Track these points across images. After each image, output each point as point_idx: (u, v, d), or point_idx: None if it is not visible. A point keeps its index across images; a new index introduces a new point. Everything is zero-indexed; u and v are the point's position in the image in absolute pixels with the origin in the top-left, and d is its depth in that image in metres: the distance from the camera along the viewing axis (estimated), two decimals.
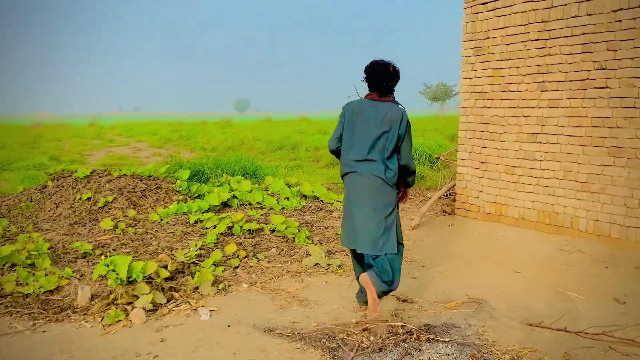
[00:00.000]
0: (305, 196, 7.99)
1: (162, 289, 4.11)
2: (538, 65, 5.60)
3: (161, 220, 6.21)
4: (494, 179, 6.18)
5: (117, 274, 4.24)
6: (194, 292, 4.16)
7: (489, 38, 6.12)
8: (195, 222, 6.19)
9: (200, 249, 5.23)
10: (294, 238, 5.67)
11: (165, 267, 4.44)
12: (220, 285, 4.25)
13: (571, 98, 5.31)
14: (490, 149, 6.21)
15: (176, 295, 4.05)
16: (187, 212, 6.53)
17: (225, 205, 7.30)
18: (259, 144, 20.39)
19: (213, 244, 5.36)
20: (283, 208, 7.23)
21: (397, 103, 3.64)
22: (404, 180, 3.71)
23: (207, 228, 5.95)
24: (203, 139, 25.15)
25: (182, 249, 5.23)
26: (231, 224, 5.89)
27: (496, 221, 6.20)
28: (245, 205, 7.38)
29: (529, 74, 5.70)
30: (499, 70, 6.03)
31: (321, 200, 7.82)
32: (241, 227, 5.85)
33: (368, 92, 3.66)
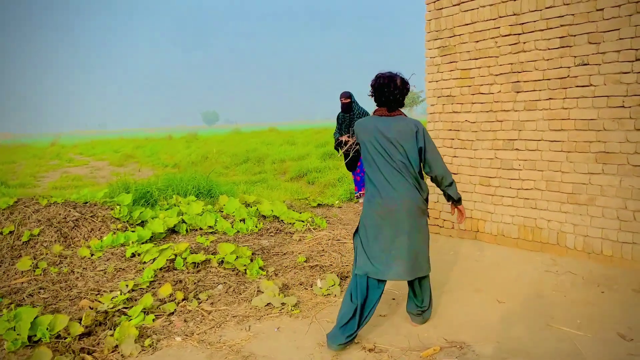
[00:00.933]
0: (264, 216, 7.25)
1: (73, 351, 3.32)
2: (511, 64, 5.01)
3: (92, 255, 5.39)
4: (468, 191, 5.56)
5: (17, 333, 3.43)
6: (113, 351, 3.38)
7: (455, 36, 5.52)
8: (133, 255, 5.39)
9: (132, 290, 4.44)
10: (245, 270, 4.93)
11: (80, 319, 3.65)
12: (147, 341, 3.47)
13: (550, 99, 4.73)
14: (462, 158, 5.59)
15: (89, 358, 3.26)
16: (125, 244, 5.72)
17: (173, 231, 6.51)
18: (223, 157, 19.62)
19: (148, 283, 4.58)
20: (238, 232, 6.48)
21: None
22: (445, 193, 3.54)
23: (144, 262, 5.16)
24: (166, 154, 24.27)
25: (112, 290, 4.45)
26: (174, 256, 5.12)
27: (473, 238, 5.57)
28: (196, 230, 6.60)
29: (501, 74, 5.11)
30: (468, 70, 5.43)
31: (281, 221, 7.09)
32: (184, 259, 5.08)
33: (376, 107, 3.45)
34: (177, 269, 5.00)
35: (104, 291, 4.46)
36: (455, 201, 3.57)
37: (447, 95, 5.68)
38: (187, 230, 6.57)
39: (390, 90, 3.29)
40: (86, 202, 6.59)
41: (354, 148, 8.00)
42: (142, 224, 6.54)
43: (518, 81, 4.97)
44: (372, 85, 3.40)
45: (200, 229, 6.59)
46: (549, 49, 4.68)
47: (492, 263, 4.87)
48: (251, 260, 5.07)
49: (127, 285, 4.45)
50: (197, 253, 5.34)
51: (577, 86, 4.51)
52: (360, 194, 8.50)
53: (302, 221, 6.92)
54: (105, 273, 4.94)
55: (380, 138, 3.27)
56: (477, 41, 5.29)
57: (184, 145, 27.87)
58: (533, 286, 4.25)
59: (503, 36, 5.04)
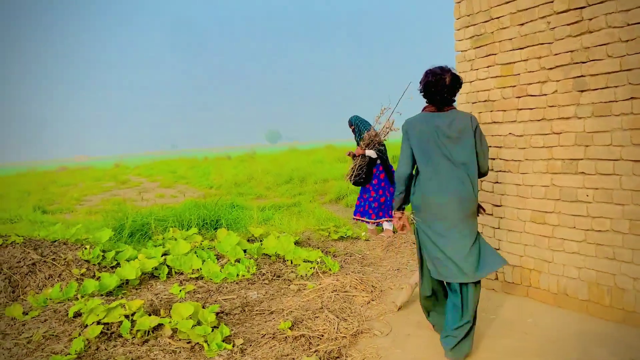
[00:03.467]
0: (268, 255, 6.00)
1: None
2: (571, 52, 3.52)
3: (25, 314, 4.32)
4: (517, 230, 4.05)
5: None
6: None
7: (492, 19, 4.09)
8: (78, 314, 4.27)
9: None
10: (206, 341, 3.68)
11: None
12: None
13: (632, 98, 3.20)
14: (507, 185, 4.10)
15: None
16: (78, 296, 4.63)
17: (153, 276, 5.39)
18: (267, 177, 18.76)
19: None
20: (226, 278, 5.25)
21: None
22: None
23: (86, 326, 4.02)
24: (217, 174, 23.83)
25: None
26: (123, 318, 3.97)
27: (524, 295, 4.05)
28: (181, 274, 5.45)
29: (557, 67, 3.63)
30: (511, 65, 3.97)
31: (286, 261, 5.81)
32: (134, 322, 3.91)
33: (426, 104, 3.30)
34: (123, 336, 3.84)
35: None
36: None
37: (485, 100, 4.23)
38: (172, 274, 5.45)
39: (438, 90, 3.15)
40: (54, 241, 5.61)
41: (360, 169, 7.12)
42: (116, 267, 5.47)
43: (582, 75, 3.47)
44: (420, 83, 3.26)
45: (183, 272, 5.43)
46: (628, 24, 3.17)
47: (548, 339, 3.34)
48: (214, 328, 3.81)
49: None
50: (157, 311, 4.18)
51: None
52: (370, 221, 7.35)
53: (310, 262, 5.62)
54: (28, 342, 3.84)
55: (441, 136, 3.14)
56: (522, 24, 3.84)
57: (239, 165, 27.41)
58: None
59: (558, 13, 3.56)
